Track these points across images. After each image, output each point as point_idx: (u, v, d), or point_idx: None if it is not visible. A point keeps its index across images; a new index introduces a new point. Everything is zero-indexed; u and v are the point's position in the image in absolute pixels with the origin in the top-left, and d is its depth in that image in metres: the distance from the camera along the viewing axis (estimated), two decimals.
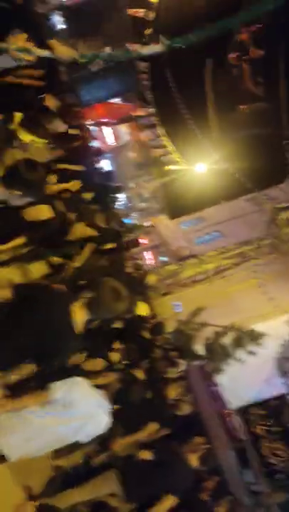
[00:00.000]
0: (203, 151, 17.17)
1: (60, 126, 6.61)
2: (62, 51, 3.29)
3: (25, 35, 3.37)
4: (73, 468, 4.80)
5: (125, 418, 4.75)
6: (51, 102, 6.01)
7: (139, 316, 6.94)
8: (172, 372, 8.13)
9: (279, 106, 13.99)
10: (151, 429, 5.50)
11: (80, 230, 5.38)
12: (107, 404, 3.44)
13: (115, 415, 3.78)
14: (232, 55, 13.80)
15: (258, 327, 13.83)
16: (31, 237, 5.17)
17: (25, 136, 3.02)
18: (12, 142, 3.06)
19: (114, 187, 9.88)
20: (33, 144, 3.06)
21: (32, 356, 2.52)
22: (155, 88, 15.66)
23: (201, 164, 18.17)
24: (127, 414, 4.70)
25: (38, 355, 2.51)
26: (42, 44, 3.30)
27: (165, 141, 18.67)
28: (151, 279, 8.66)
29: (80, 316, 2.61)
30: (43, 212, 4.35)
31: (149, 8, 15.39)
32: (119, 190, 10.80)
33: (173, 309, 15.49)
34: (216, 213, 19.92)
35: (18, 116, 2.98)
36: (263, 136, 14.72)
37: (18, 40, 3.33)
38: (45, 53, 3.36)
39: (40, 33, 3.43)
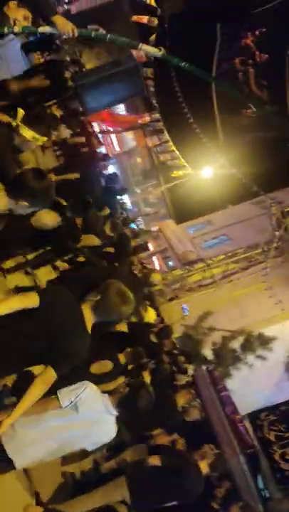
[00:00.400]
0: (208, 155, 17.18)
1: (64, 132, 6.65)
2: (65, 26, 3.29)
3: (24, 10, 3.35)
4: (83, 474, 4.78)
5: (133, 424, 4.72)
6: (56, 110, 6.06)
7: (147, 320, 6.93)
8: (181, 378, 8.09)
9: (284, 109, 13.98)
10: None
11: (88, 238, 5.39)
12: (114, 411, 3.42)
13: (123, 422, 3.75)
14: (237, 60, 13.84)
15: (267, 331, 13.75)
16: (39, 244, 5.20)
17: (27, 132, 3.01)
18: (13, 139, 3.06)
19: (118, 189, 9.88)
20: (34, 142, 3.06)
21: (43, 358, 2.54)
22: (161, 93, 15.72)
23: (207, 168, 18.18)
24: (135, 420, 4.67)
25: (50, 357, 2.53)
26: (45, 20, 3.31)
27: (171, 146, 18.71)
28: (156, 278, 8.63)
29: (88, 317, 2.66)
30: (50, 219, 4.36)
31: (153, 15, 15.50)
32: (123, 192, 10.83)
33: (180, 314, 15.47)
34: (222, 217, 19.89)
35: (20, 112, 2.98)
36: (269, 140, 14.69)
37: (18, 15, 3.31)
38: (47, 29, 3.35)
39: (43, 9, 3.41)
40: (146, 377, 5.47)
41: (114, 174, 10.17)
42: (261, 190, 17.17)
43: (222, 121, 15.21)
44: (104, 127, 18.08)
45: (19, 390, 2.93)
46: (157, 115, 18.05)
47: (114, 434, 3.41)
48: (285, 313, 14.76)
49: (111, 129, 18.62)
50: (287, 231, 17.43)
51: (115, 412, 3.41)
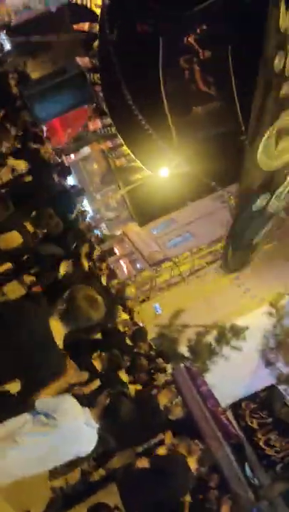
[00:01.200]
0: (163, 155, 17.32)
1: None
2: None
3: None
4: (72, 486, 4.71)
5: (117, 430, 4.68)
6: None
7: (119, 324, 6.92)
8: (160, 378, 8.11)
9: (233, 103, 14.26)
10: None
11: (48, 248, 5.31)
12: (94, 421, 3.38)
13: (106, 429, 3.71)
14: (181, 59, 14.01)
15: (239, 321, 14.02)
16: (6, 262, 5.09)
17: None
18: None
19: (75, 192, 9.81)
20: None
21: (14, 373, 2.45)
22: (109, 98, 15.72)
23: (164, 169, 18.33)
24: (118, 425, 4.64)
25: (20, 372, 2.45)
26: None
27: (126, 149, 18.75)
28: (131, 292, 8.73)
29: (58, 329, 2.56)
30: (14, 239, 4.30)
31: (94, 21, 15.49)
32: (80, 194, 10.77)
33: (153, 314, 15.54)
34: (184, 215, 20.11)
35: None
36: (221, 135, 14.95)
37: None
38: None
39: None
40: (124, 377, 5.47)
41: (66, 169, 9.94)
42: (219, 186, 17.43)
43: (173, 120, 15.35)
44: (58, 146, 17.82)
45: None
46: (108, 120, 18.04)
47: (92, 448, 3.36)
48: (255, 300, 15.06)
49: (64, 140, 18.41)
50: None
51: (96, 425, 3.37)
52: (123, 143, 18.48)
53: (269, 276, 15.57)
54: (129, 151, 18.75)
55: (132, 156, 18.85)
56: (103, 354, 5.14)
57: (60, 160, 13.00)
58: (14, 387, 2.48)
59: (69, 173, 9.26)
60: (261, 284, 15.42)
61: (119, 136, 18.23)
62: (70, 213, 8.00)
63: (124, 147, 18.85)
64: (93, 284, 5.06)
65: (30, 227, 4.92)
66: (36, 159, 7.34)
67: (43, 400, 2.97)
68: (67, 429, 3.11)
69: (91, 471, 5.02)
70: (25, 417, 2.90)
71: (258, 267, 16.21)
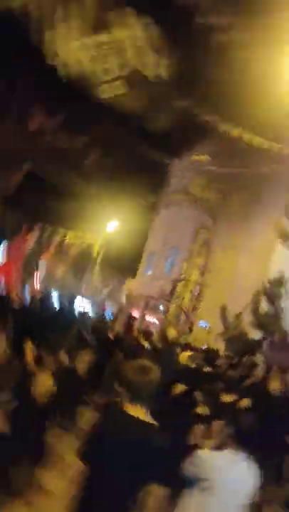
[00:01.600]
0: (97, 218, 17.71)
1: None
2: None
3: None
4: None
5: (263, 446, 4.50)
6: None
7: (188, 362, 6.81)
8: (258, 373, 7.90)
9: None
10: None
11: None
12: (240, 456, 3.23)
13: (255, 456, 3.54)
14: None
15: (273, 274, 13.84)
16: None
17: None
18: None
19: (69, 300, 9.90)
20: None
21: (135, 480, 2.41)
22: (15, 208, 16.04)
23: (110, 225, 18.86)
24: (260, 442, 4.45)
25: (138, 476, 2.40)
26: None
27: (72, 236, 19.13)
28: (172, 333, 8.72)
29: (137, 413, 2.52)
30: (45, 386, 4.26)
31: None
32: (71, 298, 10.83)
33: (206, 332, 15.32)
34: (155, 240, 20.34)
35: None
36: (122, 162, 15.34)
37: None
38: None
39: None
40: (229, 399, 5.31)
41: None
42: (158, 197, 17.74)
43: (73, 183, 15.66)
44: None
45: None
46: (39, 227, 18.41)
47: (254, 479, 3.19)
48: (265, 243, 14.89)
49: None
50: (202, 200, 17.94)
51: (244, 457, 3.21)
52: (65, 235, 18.90)
53: (256, 225, 15.61)
54: (75, 237, 19.14)
55: (79, 236, 19.22)
56: (198, 398, 5.02)
57: (31, 295, 13.01)
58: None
59: (46, 298, 9.36)
60: (262, 232, 15.35)
61: (59, 229, 18.66)
62: (77, 321, 8.04)
63: (68, 236, 19.22)
64: (137, 354, 5.00)
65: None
66: (14, 309, 7.44)
67: (188, 470, 2.91)
68: (224, 480, 3.00)
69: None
70: (183, 495, 2.82)
71: (242, 223, 16.25)
